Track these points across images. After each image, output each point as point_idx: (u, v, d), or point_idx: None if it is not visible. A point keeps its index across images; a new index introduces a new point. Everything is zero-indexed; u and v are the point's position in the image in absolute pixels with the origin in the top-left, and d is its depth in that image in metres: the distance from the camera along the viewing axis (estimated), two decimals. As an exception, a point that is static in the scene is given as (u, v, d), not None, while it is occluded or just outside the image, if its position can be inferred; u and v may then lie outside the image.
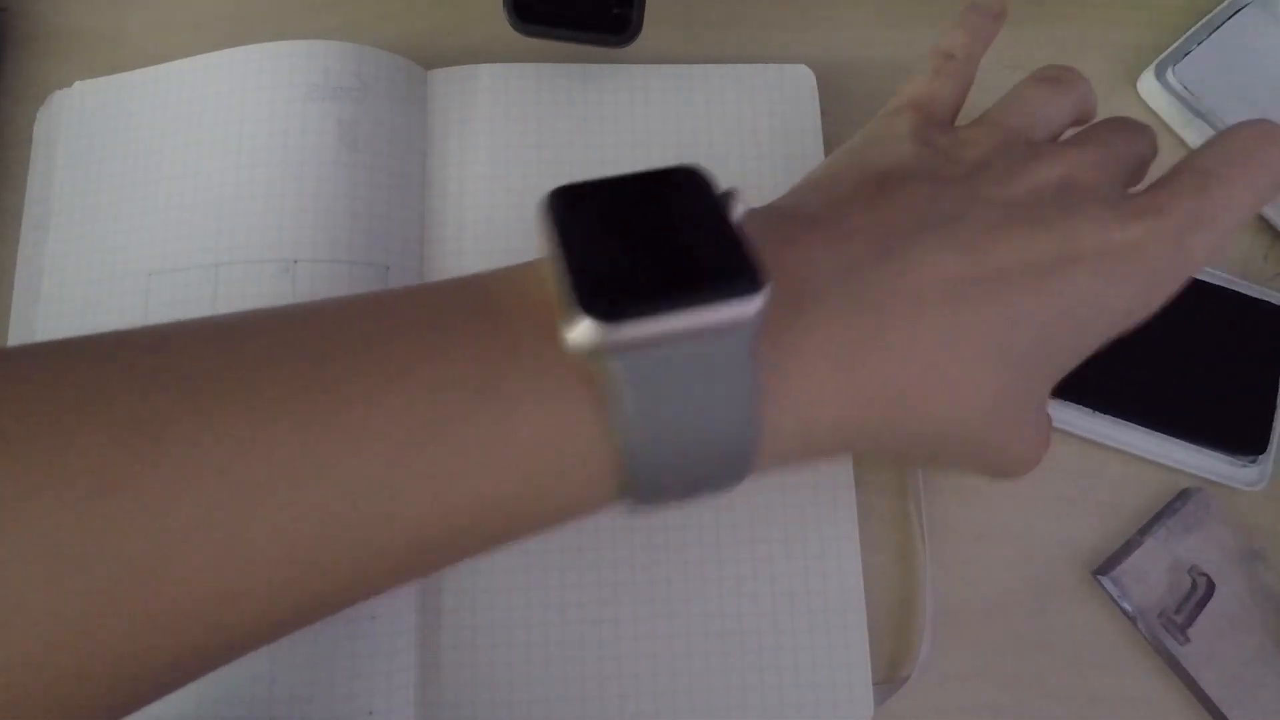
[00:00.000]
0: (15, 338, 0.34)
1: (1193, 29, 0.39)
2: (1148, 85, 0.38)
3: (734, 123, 0.36)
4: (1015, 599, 0.33)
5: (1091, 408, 0.34)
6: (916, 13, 0.39)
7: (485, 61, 0.36)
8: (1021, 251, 0.23)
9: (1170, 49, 0.38)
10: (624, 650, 0.31)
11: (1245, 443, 0.34)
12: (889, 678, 0.32)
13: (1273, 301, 0.35)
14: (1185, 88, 0.37)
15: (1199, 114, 0.37)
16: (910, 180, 0.25)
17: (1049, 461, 0.34)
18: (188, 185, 0.33)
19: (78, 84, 0.36)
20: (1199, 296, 0.35)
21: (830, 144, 0.36)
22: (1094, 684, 0.33)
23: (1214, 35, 0.38)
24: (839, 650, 0.31)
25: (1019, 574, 0.34)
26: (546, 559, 0.32)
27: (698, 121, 0.36)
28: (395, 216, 0.33)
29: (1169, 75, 0.37)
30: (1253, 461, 0.34)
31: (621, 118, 0.36)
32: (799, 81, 0.36)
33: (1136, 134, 0.28)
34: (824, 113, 0.36)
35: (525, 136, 0.35)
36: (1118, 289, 0.24)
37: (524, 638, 0.31)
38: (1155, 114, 0.39)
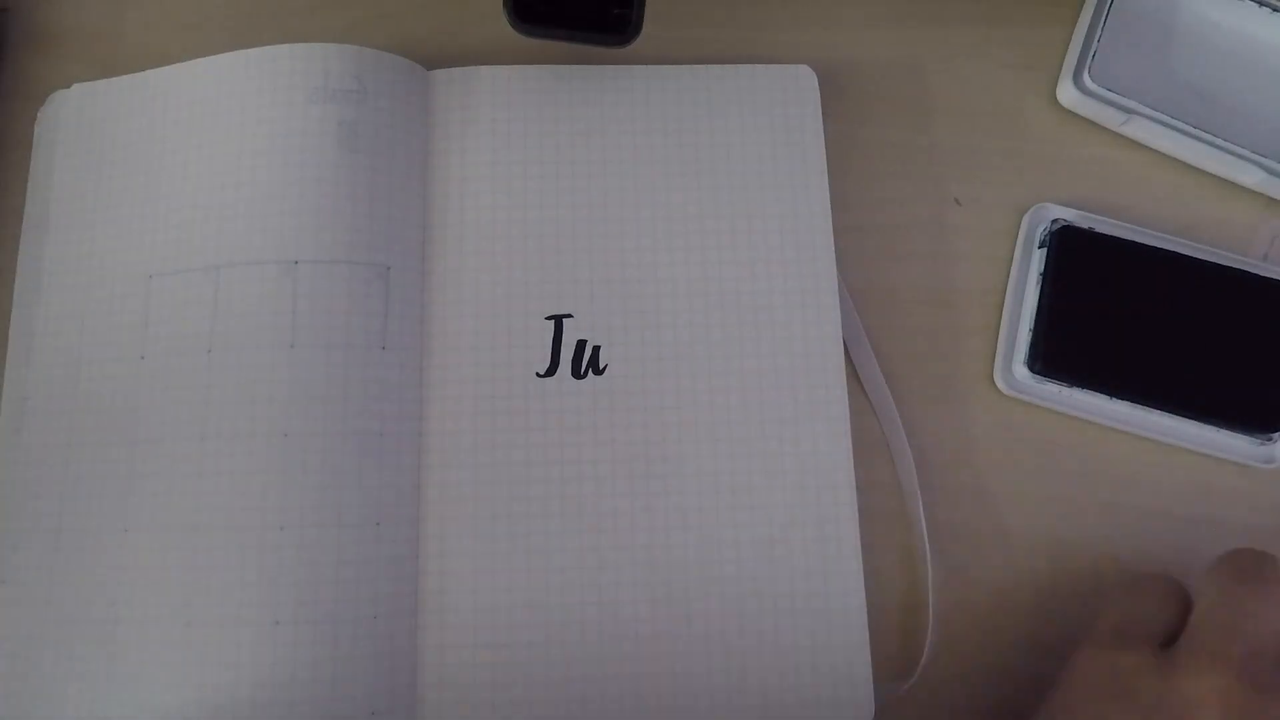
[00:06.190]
0: (15, 337, 0.34)
1: (1084, 27, 0.38)
2: (1069, 95, 0.37)
3: (734, 123, 0.36)
4: (1015, 599, 0.33)
5: (1108, 393, 0.34)
6: (916, 13, 0.39)
7: (486, 62, 0.36)
8: None
9: (1077, 53, 0.37)
10: (625, 651, 0.31)
11: (1260, 422, 0.34)
12: (889, 677, 0.32)
13: None
14: (1105, 88, 0.36)
15: (1128, 110, 0.36)
16: None
17: (1049, 462, 0.35)
18: (188, 187, 0.33)
19: (76, 86, 0.36)
20: (1214, 278, 0.35)
21: (831, 144, 0.36)
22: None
23: (1107, 24, 0.37)
24: (839, 650, 0.31)
25: (1019, 574, 0.34)
26: (548, 560, 0.32)
27: (698, 121, 0.36)
28: (396, 217, 0.33)
29: (1085, 79, 0.37)
30: (1269, 440, 0.34)
31: (622, 118, 0.36)
32: (799, 81, 0.36)
33: None
34: (824, 113, 0.36)
35: (526, 137, 0.35)
36: None
37: (524, 637, 0.31)
38: (1089, 121, 0.37)
